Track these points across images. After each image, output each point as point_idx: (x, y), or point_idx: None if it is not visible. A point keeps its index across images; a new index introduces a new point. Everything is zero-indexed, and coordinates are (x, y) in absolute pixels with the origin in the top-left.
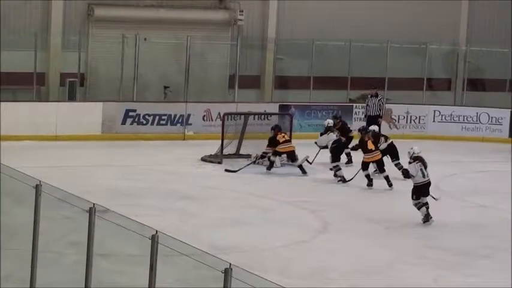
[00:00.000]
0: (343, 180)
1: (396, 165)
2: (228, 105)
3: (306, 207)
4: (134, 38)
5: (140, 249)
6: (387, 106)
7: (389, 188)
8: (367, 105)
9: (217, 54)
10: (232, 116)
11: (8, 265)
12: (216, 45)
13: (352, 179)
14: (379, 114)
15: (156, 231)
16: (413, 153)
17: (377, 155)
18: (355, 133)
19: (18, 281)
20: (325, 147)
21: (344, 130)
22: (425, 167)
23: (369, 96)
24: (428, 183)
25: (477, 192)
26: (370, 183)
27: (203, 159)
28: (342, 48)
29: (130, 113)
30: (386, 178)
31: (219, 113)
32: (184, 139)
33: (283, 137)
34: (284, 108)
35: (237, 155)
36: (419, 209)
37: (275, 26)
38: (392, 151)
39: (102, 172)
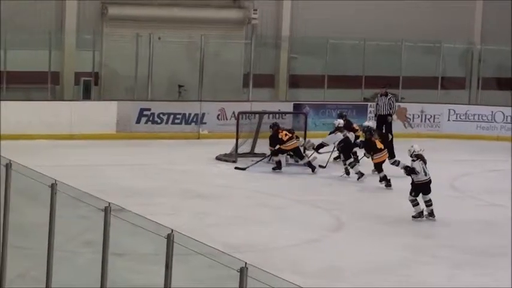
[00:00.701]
0: (361, 175)
1: (393, 163)
2: (242, 104)
3: (319, 206)
4: (148, 37)
5: (155, 248)
6: (402, 105)
7: (388, 188)
8: (377, 104)
9: (231, 53)
10: (247, 115)
11: (22, 264)
12: (230, 44)
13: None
14: (390, 113)
15: (172, 230)
16: (414, 151)
17: (386, 154)
18: (361, 133)
19: (32, 280)
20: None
21: (349, 129)
22: (425, 164)
23: (379, 95)
24: (430, 181)
25: (491, 191)
26: (388, 184)
27: (218, 158)
28: (356, 47)
29: (145, 112)
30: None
31: (234, 112)
32: (198, 138)
33: (286, 134)
34: (298, 107)
35: (251, 154)
36: (415, 206)
37: (289, 25)
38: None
39: (116, 171)
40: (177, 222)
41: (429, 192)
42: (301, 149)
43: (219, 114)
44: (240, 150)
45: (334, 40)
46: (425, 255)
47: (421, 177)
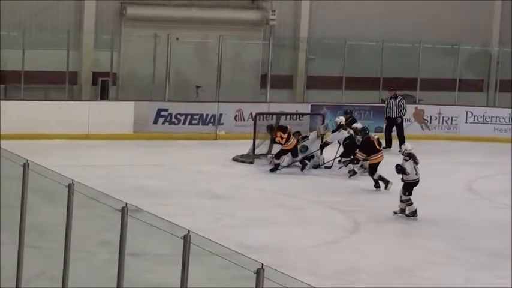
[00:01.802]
0: (353, 173)
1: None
2: (260, 105)
3: (336, 207)
4: (166, 37)
5: (171, 248)
6: (419, 107)
7: (376, 189)
8: (387, 107)
9: (249, 54)
10: (264, 116)
11: (39, 264)
12: (248, 44)
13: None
14: (400, 115)
15: (189, 231)
16: (406, 149)
17: (382, 156)
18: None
19: (49, 280)
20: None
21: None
22: (417, 164)
23: (388, 98)
24: (418, 181)
25: (508, 194)
26: (380, 184)
27: (235, 159)
28: (374, 48)
29: (162, 113)
30: (376, 179)
31: (251, 113)
32: (216, 139)
33: (281, 137)
34: (316, 109)
35: (268, 155)
36: (409, 205)
37: (307, 26)
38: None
39: (133, 171)
40: (194, 223)
41: (410, 194)
42: (315, 136)
43: (236, 115)
44: (257, 152)
45: (352, 41)
46: (442, 257)
47: (411, 177)
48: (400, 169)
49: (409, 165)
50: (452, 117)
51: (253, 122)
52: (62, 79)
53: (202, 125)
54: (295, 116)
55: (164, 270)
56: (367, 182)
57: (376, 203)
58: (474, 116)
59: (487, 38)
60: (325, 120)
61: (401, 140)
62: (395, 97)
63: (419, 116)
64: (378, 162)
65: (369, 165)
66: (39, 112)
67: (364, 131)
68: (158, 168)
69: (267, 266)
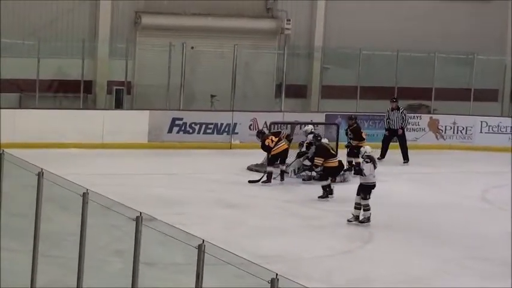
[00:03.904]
0: (308, 178)
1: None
2: (274, 115)
3: (349, 216)
4: (181, 46)
5: (186, 258)
6: (434, 116)
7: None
8: (389, 118)
9: (264, 63)
10: (279, 125)
11: (53, 272)
12: (263, 54)
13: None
14: (401, 126)
15: (203, 240)
16: (366, 152)
17: (337, 161)
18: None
19: None
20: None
21: (357, 135)
22: (375, 168)
23: (390, 109)
24: (375, 185)
25: None
26: (328, 194)
27: (249, 169)
28: (389, 58)
29: (177, 122)
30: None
31: (266, 122)
32: (230, 148)
33: (272, 140)
34: (331, 118)
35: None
36: (366, 210)
37: (322, 35)
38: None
39: (148, 180)
40: (207, 232)
41: (369, 198)
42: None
43: (251, 124)
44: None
45: (367, 51)
46: (456, 267)
47: (369, 179)
48: (357, 170)
49: (368, 168)
50: (467, 127)
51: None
52: (77, 88)
53: (217, 134)
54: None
55: (178, 279)
56: (378, 190)
57: (390, 213)
58: (489, 126)
59: (501, 47)
60: (339, 129)
61: (404, 152)
62: (397, 109)
63: (434, 126)
64: (334, 167)
65: (324, 167)
66: (54, 121)
67: (316, 138)
68: (172, 177)
69: (281, 276)
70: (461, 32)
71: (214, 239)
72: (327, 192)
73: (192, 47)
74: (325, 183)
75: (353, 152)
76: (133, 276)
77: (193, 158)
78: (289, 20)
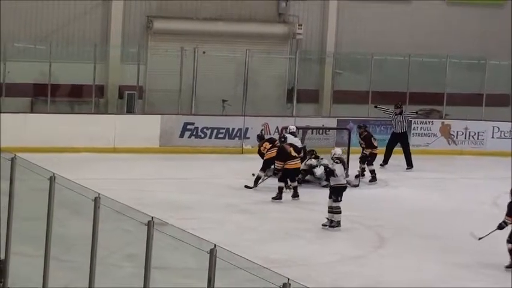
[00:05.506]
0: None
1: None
2: (286, 120)
3: (360, 222)
4: (193, 51)
5: (197, 262)
6: (446, 122)
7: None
8: (392, 122)
9: (275, 68)
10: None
11: (65, 277)
12: (275, 58)
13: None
14: (405, 130)
15: (215, 245)
16: (335, 154)
17: (299, 162)
18: (380, 149)
19: None
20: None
21: (368, 143)
22: (345, 170)
23: (394, 114)
24: (346, 187)
25: None
26: (278, 197)
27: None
28: (401, 63)
29: (189, 126)
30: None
31: (277, 127)
32: (242, 153)
33: (265, 146)
34: (342, 123)
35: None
36: (337, 213)
37: (334, 40)
38: None
39: (159, 185)
40: (218, 237)
41: (341, 200)
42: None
43: (262, 129)
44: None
45: (379, 56)
46: (468, 272)
47: (340, 180)
48: (328, 171)
49: (338, 168)
50: (478, 132)
51: (279, 136)
52: (89, 92)
53: (229, 138)
54: (321, 130)
55: (190, 284)
56: (389, 195)
57: (400, 218)
58: (501, 131)
59: None
60: (351, 134)
61: (408, 157)
62: (401, 114)
63: (445, 131)
64: (294, 169)
65: (284, 169)
66: (66, 125)
67: (280, 140)
68: (184, 181)
69: (292, 281)
70: (473, 37)
71: (226, 243)
72: (278, 193)
73: (204, 52)
74: (281, 184)
75: (367, 158)
76: (144, 281)
77: (205, 163)
78: (301, 25)
